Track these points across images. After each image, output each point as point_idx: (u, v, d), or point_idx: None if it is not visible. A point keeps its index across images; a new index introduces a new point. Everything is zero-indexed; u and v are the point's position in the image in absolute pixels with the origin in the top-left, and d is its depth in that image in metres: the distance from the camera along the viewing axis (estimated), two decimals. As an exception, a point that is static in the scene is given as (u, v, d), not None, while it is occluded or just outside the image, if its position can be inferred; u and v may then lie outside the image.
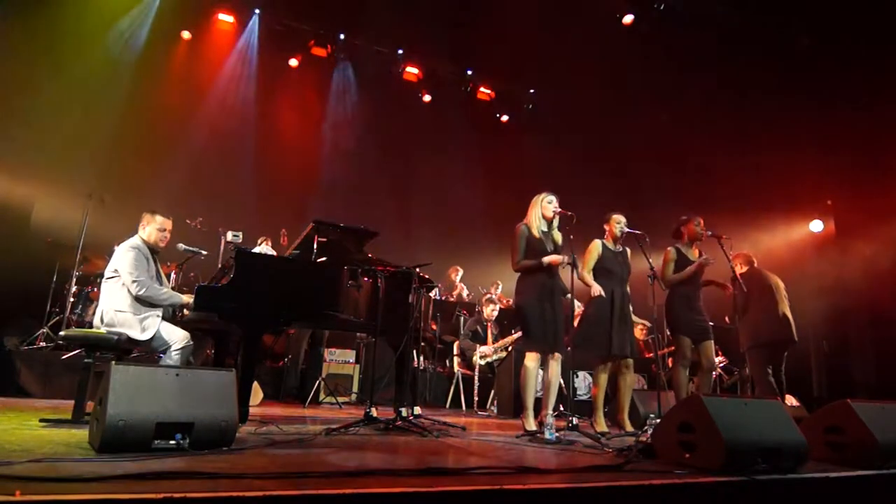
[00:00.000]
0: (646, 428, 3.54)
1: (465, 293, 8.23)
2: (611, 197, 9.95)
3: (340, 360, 6.27)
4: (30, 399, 4.71)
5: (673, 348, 7.33)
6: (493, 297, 7.16)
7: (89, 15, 7.86)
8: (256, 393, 5.27)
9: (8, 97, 6.87)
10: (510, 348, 6.21)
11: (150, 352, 3.72)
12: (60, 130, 7.36)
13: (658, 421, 3.17)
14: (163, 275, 3.84)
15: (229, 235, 4.56)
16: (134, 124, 7.95)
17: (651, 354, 6.67)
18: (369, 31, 9.49)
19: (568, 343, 4.08)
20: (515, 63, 9.79)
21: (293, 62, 9.69)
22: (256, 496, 1.53)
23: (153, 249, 3.73)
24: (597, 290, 4.12)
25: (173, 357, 3.44)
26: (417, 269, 4.23)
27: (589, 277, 4.21)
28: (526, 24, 8.92)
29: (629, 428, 4.16)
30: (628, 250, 4.47)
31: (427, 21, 9.12)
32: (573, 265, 3.86)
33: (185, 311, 3.81)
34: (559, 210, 4.02)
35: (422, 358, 6.54)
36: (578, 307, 5.36)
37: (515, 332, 6.46)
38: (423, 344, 6.31)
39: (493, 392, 6.26)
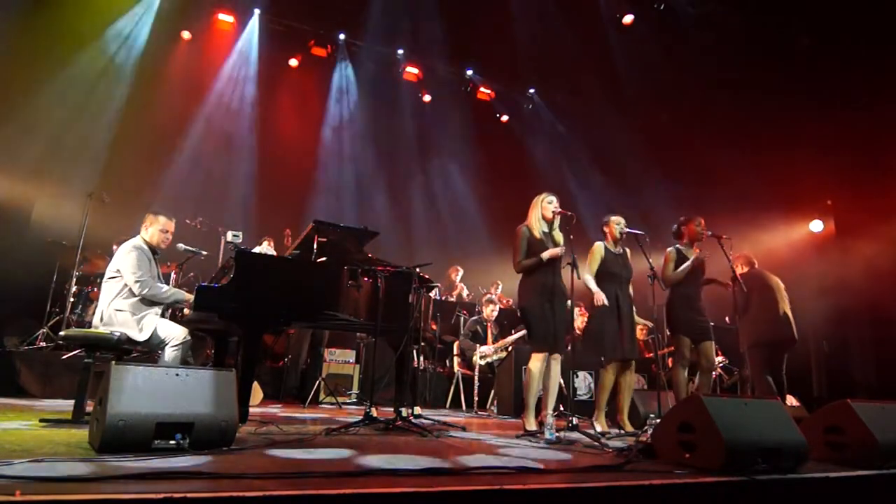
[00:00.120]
0: (646, 428, 3.53)
1: (465, 293, 8.23)
2: (610, 197, 9.98)
3: (340, 360, 6.27)
4: (30, 399, 4.71)
5: (673, 348, 7.34)
6: (493, 297, 7.16)
7: (89, 15, 7.86)
8: (256, 393, 5.27)
9: (8, 97, 6.87)
10: (510, 348, 6.21)
11: (149, 351, 3.72)
12: (60, 130, 7.36)
13: (658, 421, 3.17)
14: (161, 276, 3.85)
15: (229, 235, 4.55)
16: (134, 124, 7.95)
17: (651, 354, 6.67)
18: (369, 31, 9.48)
19: (568, 343, 4.08)
20: (515, 63, 9.79)
21: (293, 62, 9.69)
22: (256, 496, 1.53)
23: (154, 250, 3.74)
24: (600, 299, 4.11)
25: (171, 353, 3.44)
26: (417, 269, 4.23)
27: (593, 283, 4.20)
28: (526, 23, 8.93)
29: (629, 428, 4.16)
30: (628, 251, 4.47)
31: (427, 21, 9.13)
32: (573, 266, 3.86)
33: (186, 311, 3.82)
34: (559, 210, 4.02)
35: (422, 358, 6.53)
36: (578, 310, 5.36)
37: (515, 332, 6.46)
38: (423, 344, 6.31)
39: (493, 392, 6.26)
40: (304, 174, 9.60)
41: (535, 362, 3.83)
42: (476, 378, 6.17)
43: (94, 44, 7.98)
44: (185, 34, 8.86)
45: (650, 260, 4.18)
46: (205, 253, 4.63)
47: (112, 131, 7.82)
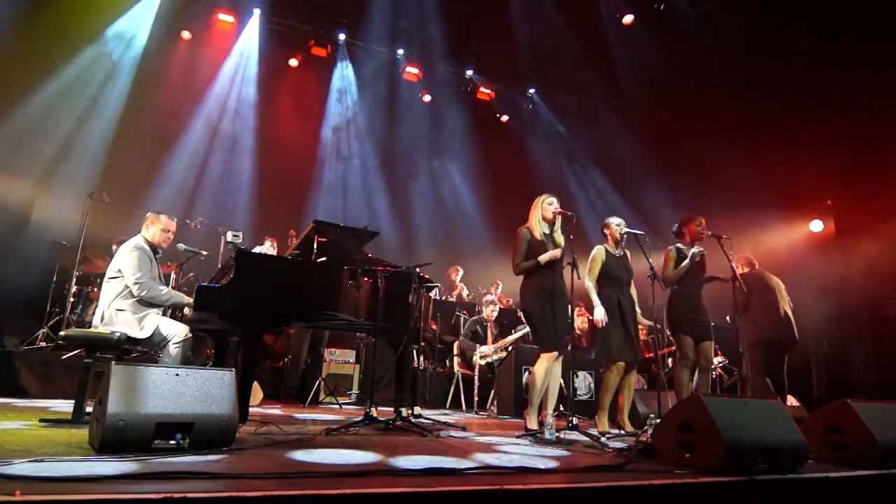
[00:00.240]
0: (646, 428, 3.53)
1: (465, 293, 8.22)
2: (610, 197, 9.98)
3: (340, 360, 6.26)
4: (30, 399, 4.71)
5: (673, 348, 7.34)
6: (493, 297, 7.16)
7: (89, 15, 7.86)
8: (256, 393, 5.27)
9: (8, 97, 6.87)
10: (510, 348, 6.21)
11: (150, 349, 3.72)
12: (60, 130, 7.36)
13: (658, 421, 3.17)
14: (162, 276, 3.85)
15: (229, 235, 4.56)
16: (134, 124, 7.94)
17: (651, 354, 6.67)
18: (369, 31, 9.49)
19: (568, 343, 4.08)
20: (515, 63, 9.79)
21: (293, 62, 9.69)
22: (256, 496, 1.53)
23: (155, 250, 3.74)
24: (600, 316, 4.11)
25: (172, 350, 3.44)
26: (417, 269, 4.23)
27: (594, 295, 4.20)
28: (526, 23, 8.93)
29: (629, 428, 4.16)
30: (628, 253, 4.46)
31: (427, 21, 9.13)
32: (574, 266, 3.86)
33: (186, 311, 3.82)
34: (559, 210, 4.02)
35: (422, 358, 6.53)
36: (577, 311, 5.36)
37: (515, 332, 6.46)
38: (423, 344, 6.31)
39: (493, 392, 6.25)
40: (304, 174, 9.60)
41: (543, 363, 3.82)
42: (476, 378, 6.16)
43: (94, 44, 7.98)
44: (185, 34, 8.86)
45: (650, 260, 4.18)
46: (205, 253, 4.64)
47: (112, 131, 7.82)
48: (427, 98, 10.55)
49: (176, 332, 3.50)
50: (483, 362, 6.36)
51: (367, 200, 10.03)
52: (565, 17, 8.79)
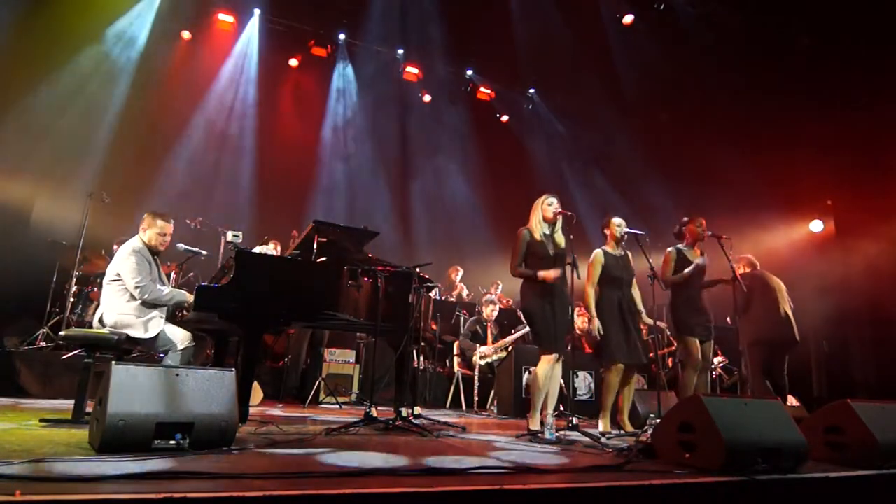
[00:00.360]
0: (646, 428, 3.53)
1: (465, 293, 8.22)
2: (610, 197, 9.98)
3: (340, 360, 6.26)
4: (30, 399, 4.71)
5: (673, 348, 7.34)
6: (493, 297, 7.16)
7: (89, 15, 7.86)
8: (256, 393, 5.27)
9: (8, 97, 6.87)
10: (510, 348, 6.21)
11: (151, 351, 3.72)
12: (60, 130, 7.36)
13: (658, 421, 3.17)
14: (163, 275, 3.85)
15: (229, 235, 4.56)
16: (134, 124, 7.95)
17: (651, 354, 6.67)
18: (369, 31, 9.49)
19: (567, 343, 4.08)
20: (515, 63, 9.79)
21: (293, 62, 9.69)
22: (256, 496, 1.53)
23: (154, 251, 3.74)
24: (595, 327, 4.13)
25: (176, 358, 3.45)
26: (417, 269, 4.23)
27: (592, 303, 4.21)
28: (526, 23, 8.93)
29: (629, 428, 4.16)
30: (629, 253, 4.46)
31: (427, 21, 9.13)
32: (574, 266, 3.86)
33: (186, 311, 3.81)
34: (559, 211, 4.01)
35: (422, 358, 6.53)
36: (577, 311, 5.35)
37: (515, 332, 6.46)
38: (423, 344, 6.31)
39: (493, 392, 6.25)
40: (305, 174, 9.60)
41: (545, 364, 3.81)
42: (476, 378, 6.17)
43: (94, 44, 7.98)
44: (185, 34, 8.85)
45: (650, 260, 4.18)
46: (205, 253, 4.63)
47: (112, 131, 7.82)
48: (427, 98, 10.55)
49: (180, 338, 3.50)
50: (483, 362, 6.36)
51: (367, 200, 10.03)
52: (565, 17, 8.79)
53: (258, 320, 3.49)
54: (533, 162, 10.88)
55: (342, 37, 9.77)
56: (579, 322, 5.75)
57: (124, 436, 2.16)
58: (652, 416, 3.96)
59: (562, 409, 5.16)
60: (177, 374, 2.38)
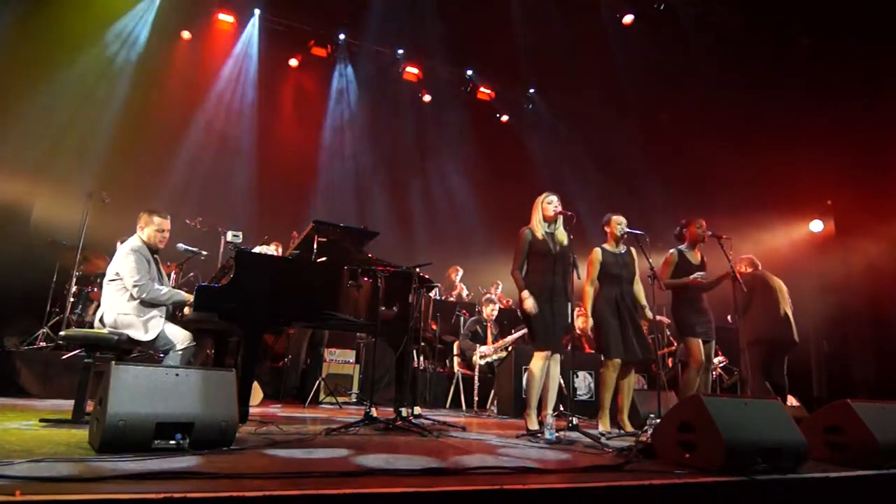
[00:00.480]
0: (646, 428, 3.53)
1: (465, 293, 8.23)
2: (610, 197, 9.98)
3: (340, 360, 6.27)
4: (30, 399, 4.71)
5: (673, 348, 7.34)
6: (493, 297, 7.16)
7: (89, 15, 7.86)
8: (256, 393, 5.27)
9: (8, 97, 6.87)
10: (510, 348, 6.21)
11: (151, 351, 3.72)
12: (60, 130, 7.36)
13: (658, 421, 3.17)
14: (164, 274, 3.85)
15: (229, 235, 4.55)
16: (134, 124, 7.95)
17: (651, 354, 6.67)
18: (369, 31, 9.49)
19: (567, 343, 4.08)
20: (515, 63, 9.79)
21: (293, 62, 9.70)
22: (256, 496, 1.53)
23: (153, 249, 3.73)
24: (589, 325, 4.19)
25: (176, 358, 3.44)
26: (417, 269, 4.23)
27: (589, 301, 4.22)
28: (526, 23, 8.93)
29: (629, 428, 4.16)
30: (633, 250, 4.45)
31: (427, 21, 9.13)
32: (574, 266, 3.88)
33: (186, 311, 3.81)
34: (560, 210, 4.02)
35: (422, 358, 6.53)
36: (577, 311, 5.35)
37: (515, 332, 6.46)
38: (423, 344, 6.31)
39: (493, 392, 6.25)
40: (305, 174, 9.60)
41: (538, 361, 3.83)
42: (476, 378, 6.16)
43: (94, 44, 7.98)
44: (185, 34, 8.86)
45: (650, 260, 4.18)
46: (205, 253, 4.63)
47: (112, 131, 7.82)
48: (427, 98, 10.55)
49: (181, 338, 3.50)
50: (483, 362, 6.36)
51: (368, 200, 10.03)
52: (565, 18, 8.79)
53: (258, 320, 3.49)
54: (533, 162, 10.88)
55: (342, 37, 9.78)
56: (580, 322, 5.75)
57: (124, 436, 2.16)
58: (652, 416, 3.95)
59: (562, 409, 5.16)
60: (177, 374, 2.38)
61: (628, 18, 8.89)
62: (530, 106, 11.25)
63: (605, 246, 4.39)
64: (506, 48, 9.33)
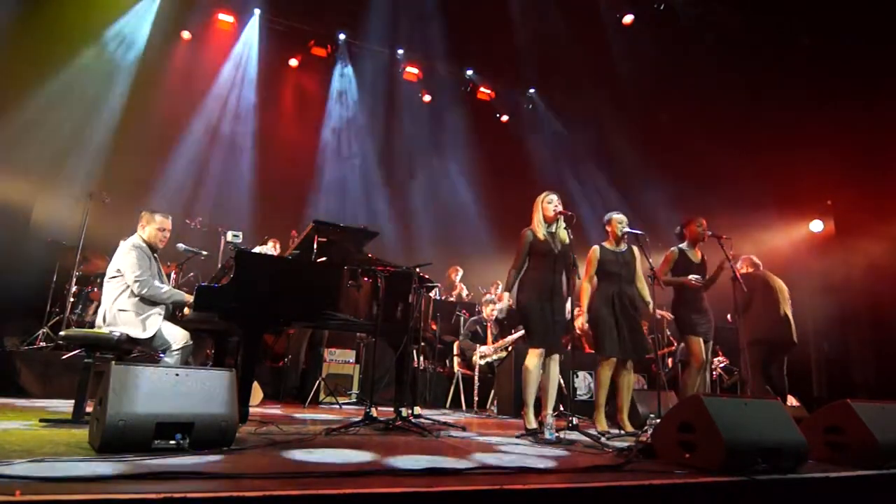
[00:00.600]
0: (646, 428, 3.53)
1: (464, 293, 8.22)
2: (610, 197, 9.98)
3: (340, 360, 6.26)
4: (30, 399, 4.71)
5: (673, 348, 7.33)
6: (493, 297, 7.16)
7: (89, 15, 7.86)
8: (256, 393, 5.27)
9: (8, 97, 6.87)
10: (510, 348, 6.21)
11: (150, 351, 3.72)
12: (61, 130, 7.36)
13: (658, 421, 3.17)
14: (163, 274, 3.85)
15: (229, 235, 4.56)
16: (134, 124, 7.94)
17: (651, 355, 6.67)
18: (369, 31, 9.49)
19: (567, 343, 4.08)
20: (515, 63, 9.79)
21: (293, 62, 9.70)
22: (256, 496, 1.53)
23: (153, 248, 3.75)
24: (580, 323, 4.18)
25: (173, 357, 3.45)
26: (417, 269, 4.23)
27: (585, 298, 4.23)
28: (526, 23, 8.93)
29: (629, 428, 4.16)
30: (635, 249, 4.45)
31: (427, 21, 9.13)
32: (574, 265, 3.89)
33: (186, 311, 3.82)
34: (560, 210, 4.02)
35: (422, 358, 6.53)
36: (576, 311, 5.35)
37: (515, 332, 6.46)
38: (423, 344, 6.30)
39: (493, 392, 6.25)
40: (304, 174, 9.60)
41: (532, 359, 3.84)
42: (476, 378, 6.16)
43: (94, 44, 7.97)
44: (185, 34, 8.85)
45: (650, 260, 4.18)
46: (205, 253, 4.63)
47: (112, 131, 7.82)
48: (427, 98, 10.55)
49: (178, 337, 3.50)
50: (483, 362, 6.36)
51: (367, 200, 10.03)
52: (565, 17, 8.79)
53: (258, 320, 3.49)
54: (533, 162, 10.88)
55: (342, 37, 9.78)
56: (580, 322, 5.75)
57: (124, 436, 2.16)
58: (652, 416, 3.95)
59: (562, 409, 5.16)
60: (177, 374, 2.38)
61: (628, 18, 8.89)
62: (530, 106, 11.25)
63: (605, 244, 4.39)
64: (506, 48, 9.33)
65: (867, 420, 2.90)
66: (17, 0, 7.13)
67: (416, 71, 10.30)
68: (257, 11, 9.24)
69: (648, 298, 4.38)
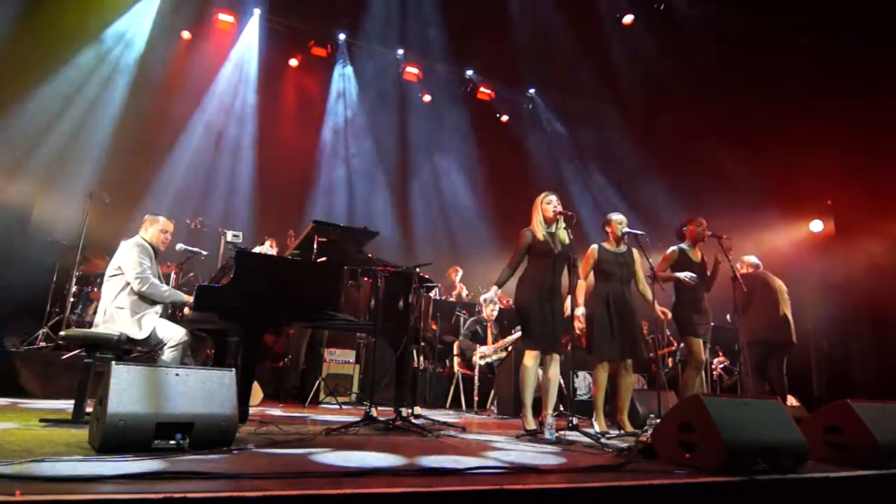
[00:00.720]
0: (646, 428, 3.53)
1: (464, 293, 8.22)
2: (610, 197, 9.98)
3: (340, 360, 6.26)
4: (30, 399, 4.71)
5: (673, 348, 7.33)
6: (493, 296, 7.15)
7: (89, 15, 7.85)
8: (256, 393, 5.27)
9: (8, 97, 6.87)
10: (510, 348, 6.21)
11: (148, 350, 3.73)
12: (60, 130, 7.36)
13: (658, 421, 3.17)
14: (162, 276, 3.86)
15: (229, 235, 4.56)
16: (134, 124, 7.94)
17: (651, 354, 6.68)
18: (369, 31, 9.49)
19: (567, 343, 4.08)
20: (515, 63, 9.79)
21: (293, 62, 9.69)
22: (256, 496, 1.53)
23: (155, 250, 3.76)
24: (579, 312, 4.14)
25: (169, 354, 3.45)
26: (417, 269, 4.24)
27: (581, 290, 4.22)
28: (526, 23, 8.93)
29: (629, 428, 4.16)
30: (634, 251, 4.45)
31: (427, 21, 9.13)
32: (574, 266, 3.89)
33: (186, 311, 3.82)
34: (559, 210, 4.02)
35: (422, 358, 6.53)
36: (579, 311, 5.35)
37: (515, 332, 6.46)
38: (423, 344, 6.31)
39: (493, 392, 6.26)
40: (304, 174, 9.60)
41: (529, 360, 3.83)
42: (476, 378, 6.16)
43: (93, 44, 7.97)
44: (185, 34, 8.85)
45: (650, 260, 4.18)
46: (205, 253, 4.63)
47: (112, 131, 7.81)
48: (427, 98, 10.55)
49: (172, 335, 3.50)
50: (483, 362, 6.36)
51: (367, 200, 10.03)
52: (565, 17, 8.79)
53: (258, 320, 3.49)
54: (533, 162, 10.88)
55: (342, 37, 9.77)
56: (579, 312, 5.76)
57: (124, 436, 2.16)
58: (652, 416, 3.96)
59: (562, 409, 5.17)
60: (177, 374, 2.38)
61: (628, 18, 8.89)
62: (530, 106, 11.25)
63: (605, 245, 4.39)
64: (506, 48, 9.32)
65: (867, 420, 2.90)
66: (17, 0, 7.13)
67: (416, 71, 10.30)
68: (257, 11, 9.23)
69: (650, 296, 4.38)
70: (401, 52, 10.04)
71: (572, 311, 3.98)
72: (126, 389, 2.23)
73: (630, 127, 9.96)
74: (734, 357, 6.85)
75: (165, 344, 3.48)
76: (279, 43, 9.46)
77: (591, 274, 4.37)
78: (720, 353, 7.47)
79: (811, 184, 8.13)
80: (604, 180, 10.49)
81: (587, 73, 9.40)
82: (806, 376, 7.90)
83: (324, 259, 4.06)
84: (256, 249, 5.86)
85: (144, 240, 3.73)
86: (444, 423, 4.10)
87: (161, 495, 1.46)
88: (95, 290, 6.07)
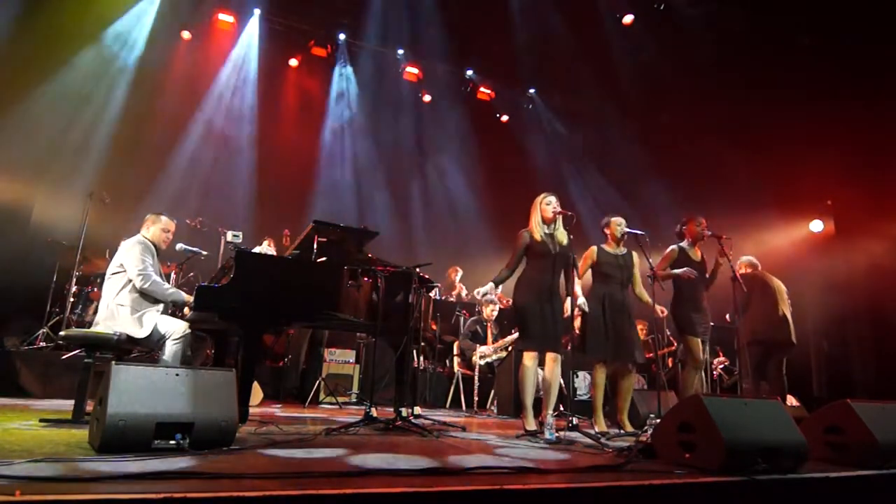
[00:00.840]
0: (646, 428, 3.53)
1: (464, 293, 8.22)
2: (610, 197, 9.98)
3: (340, 360, 6.27)
4: (30, 399, 4.71)
5: (673, 348, 7.33)
6: (493, 297, 7.15)
7: (89, 15, 7.86)
8: (256, 393, 5.27)
9: (8, 97, 6.87)
10: (510, 348, 6.21)
11: (150, 349, 3.73)
12: (60, 130, 7.35)
13: (658, 421, 3.17)
14: (163, 275, 3.86)
15: (229, 235, 4.56)
16: (134, 124, 7.95)
17: (651, 354, 6.67)
18: (369, 31, 9.49)
19: (567, 343, 4.08)
20: (515, 63, 9.79)
21: (293, 62, 9.70)
22: (256, 496, 1.53)
23: (156, 249, 3.77)
24: (581, 302, 4.13)
25: (171, 347, 3.45)
26: (417, 269, 4.24)
27: (578, 288, 4.21)
28: (526, 23, 8.93)
29: (629, 428, 4.16)
30: (634, 253, 4.45)
31: (427, 21, 9.13)
32: (573, 265, 3.89)
33: (186, 311, 3.82)
34: (559, 210, 4.02)
35: (422, 358, 6.53)
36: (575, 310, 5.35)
37: (515, 332, 6.46)
38: (423, 344, 6.30)
39: (493, 392, 6.26)
40: (304, 174, 9.60)
41: (528, 361, 3.84)
42: (476, 378, 6.16)
43: (93, 44, 7.97)
44: (185, 34, 8.85)
45: (650, 260, 4.18)
46: (205, 253, 4.63)
47: (112, 131, 7.82)
48: (427, 98, 10.55)
49: (174, 329, 3.51)
50: (483, 362, 6.36)
51: (367, 200, 10.02)
52: (565, 17, 8.79)
53: (258, 320, 3.49)
54: (533, 162, 10.87)
55: (342, 37, 9.77)
56: (578, 322, 5.76)
57: (124, 436, 2.16)
58: (652, 416, 3.96)
59: (562, 409, 5.17)
60: (177, 374, 2.38)
61: (628, 18, 8.89)
62: (530, 106, 11.25)
63: (604, 246, 4.39)
64: (506, 48, 9.32)
65: (867, 420, 2.90)
66: (17, 0, 7.13)
67: (416, 71, 10.29)
68: (257, 11, 9.23)
69: (648, 299, 4.37)
70: (401, 52, 10.04)
71: (572, 311, 3.97)
72: (126, 389, 2.23)
73: (630, 127, 9.95)
74: (734, 357, 6.85)
75: (168, 338, 3.48)
76: (279, 43, 9.46)
77: (590, 274, 4.37)
78: (720, 353, 7.47)
79: (811, 184, 8.13)
80: (604, 180, 10.49)
81: (587, 73, 9.40)
82: (806, 376, 7.90)
83: (324, 259, 4.06)
84: (256, 250, 5.86)
85: (146, 238, 3.75)
86: (444, 423, 4.10)
87: (161, 495, 1.46)
88: (95, 290, 6.07)
